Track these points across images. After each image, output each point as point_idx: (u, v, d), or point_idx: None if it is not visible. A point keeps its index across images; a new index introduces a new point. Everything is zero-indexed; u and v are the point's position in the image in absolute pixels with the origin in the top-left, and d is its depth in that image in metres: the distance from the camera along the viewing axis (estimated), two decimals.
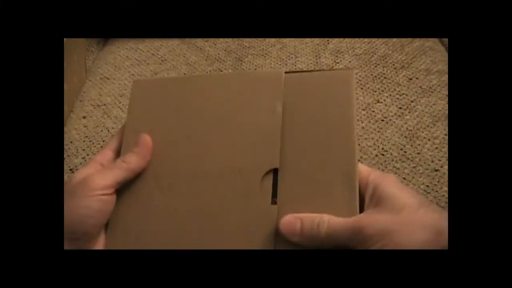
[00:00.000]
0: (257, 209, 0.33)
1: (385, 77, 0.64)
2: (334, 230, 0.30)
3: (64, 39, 0.58)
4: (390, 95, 0.61)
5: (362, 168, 0.33)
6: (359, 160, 0.34)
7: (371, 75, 0.64)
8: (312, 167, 0.33)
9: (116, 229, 0.35)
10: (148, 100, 0.40)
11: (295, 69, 0.64)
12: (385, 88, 0.62)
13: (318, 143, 0.34)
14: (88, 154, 0.56)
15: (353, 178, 0.32)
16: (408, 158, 0.53)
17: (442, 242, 0.27)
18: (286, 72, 0.37)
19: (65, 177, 0.52)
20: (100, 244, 0.35)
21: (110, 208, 0.34)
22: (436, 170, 0.51)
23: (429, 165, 0.52)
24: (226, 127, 0.37)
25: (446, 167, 0.51)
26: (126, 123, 0.40)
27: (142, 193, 0.36)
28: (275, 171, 0.34)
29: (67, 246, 0.31)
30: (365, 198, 0.32)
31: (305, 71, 0.37)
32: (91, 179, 0.33)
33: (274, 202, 0.33)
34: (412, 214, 0.29)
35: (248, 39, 0.65)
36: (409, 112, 0.59)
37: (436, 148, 0.54)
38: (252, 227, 0.33)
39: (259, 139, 0.35)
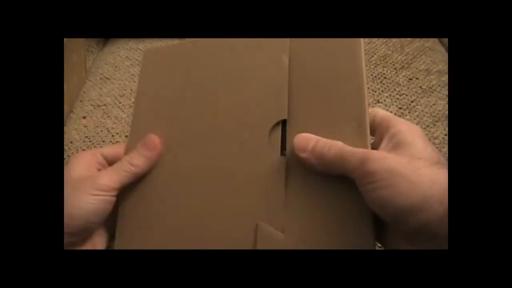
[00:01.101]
0: (266, 162, 0.33)
1: (385, 77, 0.64)
2: (343, 155, 0.29)
3: (64, 39, 0.58)
4: (390, 95, 0.61)
5: (385, 113, 0.33)
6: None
7: (371, 75, 0.64)
8: (321, 116, 0.33)
9: (126, 216, 0.36)
10: (158, 68, 0.40)
11: None
12: (385, 88, 0.62)
13: (326, 93, 0.34)
14: None
15: (364, 124, 0.32)
16: None
17: (444, 204, 0.26)
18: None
19: (68, 187, 0.52)
20: (97, 243, 0.35)
21: (110, 207, 0.34)
22: None
23: None
24: (234, 85, 0.37)
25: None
26: (136, 94, 0.40)
27: (155, 165, 0.36)
28: (283, 123, 0.34)
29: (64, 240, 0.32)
30: (382, 140, 0.31)
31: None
32: (99, 178, 0.33)
33: (283, 154, 0.33)
34: (427, 167, 0.27)
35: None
36: (409, 112, 0.59)
37: (436, 148, 0.54)
38: (262, 179, 0.33)
39: (266, 93, 0.35)
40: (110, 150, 0.38)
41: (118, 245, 0.35)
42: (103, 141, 0.58)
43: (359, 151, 0.29)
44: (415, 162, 0.27)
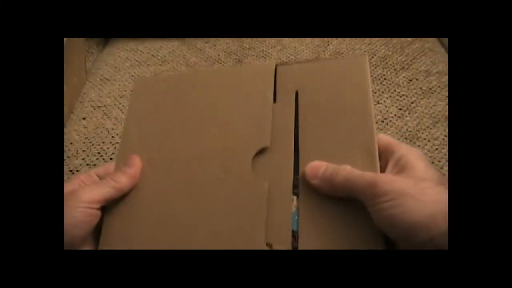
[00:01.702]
0: (249, 187, 0.34)
1: (385, 78, 0.64)
2: (351, 178, 0.31)
3: (64, 40, 0.58)
4: (390, 96, 0.61)
5: (388, 138, 0.34)
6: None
7: (371, 76, 0.64)
8: (331, 144, 0.34)
9: (109, 233, 0.36)
10: (147, 96, 0.42)
11: None
12: (385, 89, 0.62)
13: (335, 124, 0.34)
14: (88, 155, 0.56)
15: (373, 150, 0.33)
16: None
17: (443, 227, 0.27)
18: (297, 62, 0.38)
19: (65, 178, 0.52)
20: None
21: (94, 221, 0.35)
22: None
23: None
24: (220, 116, 0.38)
25: (446, 168, 0.51)
26: (125, 120, 0.41)
27: (139, 187, 0.37)
28: (296, 151, 0.35)
29: None
30: (388, 165, 0.32)
31: (312, 59, 0.38)
32: (80, 191, 0.34)
33: (296, 178, 0.34)
34: (431, 187, 0.29)
35: (248, 40, 0.65)
36: (409, 113, 0.59)
37: (436, 149, 0.54)
38: (245, 204, 0.33)
39: (251, 123, 0.36)
40: (103, 169, 0.40)
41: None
42: (103, 142, 0.58)
43: (368, 174, 0.30)
44: (420, 183, 0.29)
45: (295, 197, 0.33)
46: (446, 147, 0.53)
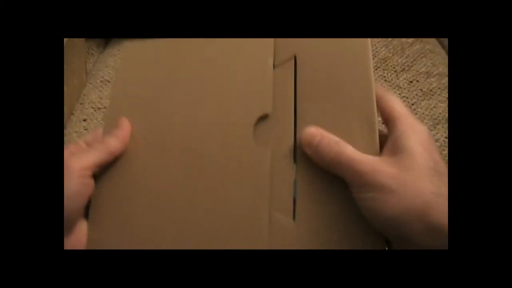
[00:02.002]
0: (250, 154, 0.33)
1: (385, 80, 0.64)
2: (339, 159, 0.30)
3: (65, 41, 0.58)
4: None
5: (395, 107, 0.32)
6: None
7: None
8: (330, 111, 0.33)
9: (101, 206, 0.35)
10: (137, 61, 0.40)
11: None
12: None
13: (334, 92, 0.33)
14: None
15: (373, 123, 0.32)
16: None
17: (426, 222, 0.26)
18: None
19: None
20: (79, 233, 0.34)
21: (88, 191, 0.33)
22: None
23: None
24: (219, 82, 0.36)
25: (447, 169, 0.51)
26: (113, 86, 0.40)
27: (130, 156, 0.36)
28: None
29: None
30: (387, 141, 0.31)
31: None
32: (69, 161, 0.33)
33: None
34: (416, 180, 0.28)
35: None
36: None
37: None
38: (246, 172, 0.33)
39: (251, 90, 0.35)
40: (91, 136, 0.38)
41: (91, 233, 0.34)
42: None
43: (355, 160, 0.30)
44: (405, 174, 0.28)
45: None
46: (447, 149, 0.53)
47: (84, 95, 0.68)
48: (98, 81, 0.70)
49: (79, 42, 0.67)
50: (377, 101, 0.33)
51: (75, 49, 0.65)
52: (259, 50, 0.36)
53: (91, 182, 0.33)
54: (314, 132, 0.32)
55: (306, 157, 0.32)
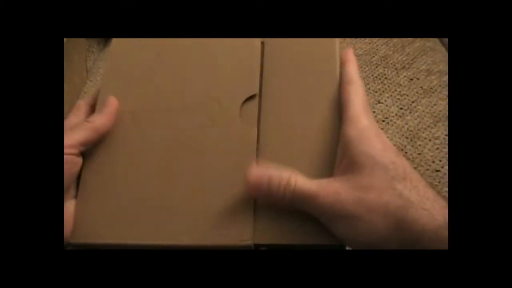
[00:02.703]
0: (236, 134, 0.34)
1: (386, 78, 0.64)
2: (300, 199, 0.28)
3: (65, 40, 0.58)
4: (391, 95, 0.61)
5: (353, 104, 0.31)
6: None
7: (372, 75, 0.64)
8: (295, 93, 0.34)
9: (88, 183, 0.35)
10: (127, 50, 0.40)
11: None
12: (386, 88, 0.62)
13: (301, 72, 0.35)
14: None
15: (336, 102, 0.32)
16: (409, 159, 0.53)
17: (403, 236, 0.26)
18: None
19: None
20: (68, 212, 0.33)
21: (74, 169, 0.33)
22: (437, 171, 0.51)
23: (430, 165, 0.52)
24: (206, 63, 0.37)
25: (447, 167, 0.51)
26: (104, 74, 0.42)
27: (117, 133, 0.36)
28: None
29: None
30: (337, 157, 0.30)
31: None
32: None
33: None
34: (378, 196, 0.27)
35: None
36: (410, 113, 0.59)
37: (437, 148, 0.54)
38: (233, 152, 0.33)
39: (238, 71, 0.36)
40: (74, 113, 0.38)
41: (78, 210, 0.34)
42: None
43: (313, 195, 0.28)
44: (366, 198, 0.27)
45: None
46: (447, 147, 0.53)
47: (85, 92, 0.68)
48: (99, 78, 0.70)
49: (80, 40, 0.67)
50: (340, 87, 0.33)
51: (75, 47, 0.65)
52: (247, 43, 0.37)
53: (78, 160, 0.34)
54: (260, 175, 0.29)
55: (269, 140, 0.33)
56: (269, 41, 0.37)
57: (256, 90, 0.35)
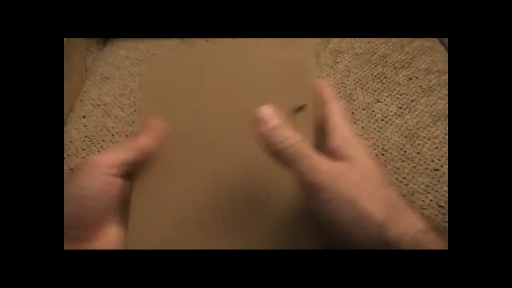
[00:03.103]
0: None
1: (385, 77, 0.64)
2: (298, 154, 0.28)
3: (64, 39, 0.58)
4: (390, 94, 0.61)
5: (337, 117, 0.32)
6: None
7: (371, 74, 0.64)
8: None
9: (139, 209, 0.34)
10: (161, 70, 0.41)
11: None
12: (385, 87, 0.62)
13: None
14: (88, 154, 0.56)
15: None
16: (408, 158, 0.53)
17: (383, 234, 0.26)
18: None
19: (65, 176, 0.52)
20: (105, 237, 0.32)
21: (116, 191, 0.31)
22: (436, 170, 0.51)
23: (429, 164, 0.52)
24: (248, 72, 0.37)
25: (446, 166, 0.51)
26: (141, 97, 0.43)
27: (167, 157, 0.36)
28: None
29: (67, 246, 0.29)
30: (326, 141, 0.30)
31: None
32: (93, 157, 0.31)
33: None
34: (377, 187, 0.27)
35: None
36: (409, 112, 0.59)
37: (436, 147, 0.54)
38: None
39: (286, 80, 0.36)
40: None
41: (130, 236, 0.34)
42: (103, 141, 0.58)
43: (314, 158, 0.27)
44: (362, 183, 0.27)
45: None
46: (447, 146, 0.53)
47: (84, 91, 0.68)
48: (98, 78, 0.70)
49: (79, 40, 0.67)
50: (319, 102, 0.34)
51: (75, 47, 0.64)
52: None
53: (118, 181, 0.31)
54: (273, 113, 0.29)
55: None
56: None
57: (305, 100, 0.34)
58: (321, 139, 0.32)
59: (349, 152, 0.29)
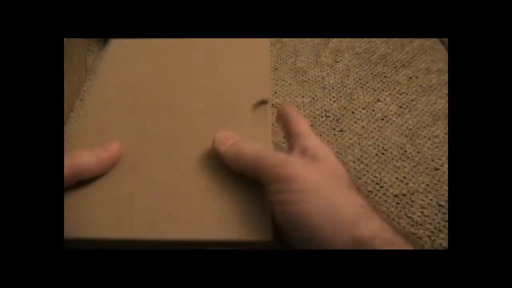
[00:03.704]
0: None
1: (385, 76, 0.64)
2: (262, 154, 0.28)
3: (64, 39, 0.58)
4: (390, 94, 0.61)
5: (296, 123, 0.32)
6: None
7: (371, 74, 0.64)
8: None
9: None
10: (124, 57, 0.40)
11: (295, 68, 0.64)
12: (385, 87, 0.62)
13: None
14: None
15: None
16: (408, 157, 0.53)
17: (354, 233, 0.24)
18: None
19: None
20: None
21: None
22: (437, 169, 0.51)
23: (429, 164, 0.52)
24: (211, 67, 0.37)
25: (447, 166, 0.51)
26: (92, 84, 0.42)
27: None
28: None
29: None
30: (294, 149, 0.30)
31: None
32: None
33: None
34: (345, 188, 0.26)
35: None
36: (409, 111, 0.59)
37: (436, 147, 0.54)
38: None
39: (247, 74, 0.36)
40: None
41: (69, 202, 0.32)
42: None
43: (279, 154, 0.28)
44: (333, 180, 0.26)
45: None
46: (447, 145, 0.53)
47: (84, 91, 0.68)
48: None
49: (79, 40, 0.67)
50: (283, 118, 0.34)
51: (75, 47, 0.64)
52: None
53: None
54: (230, 134, 0.31)
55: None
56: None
57: (267, 95, 0.34)
58: (288, 145, 0.32)
59: (319, 152, 0.29)
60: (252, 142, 0.30)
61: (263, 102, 0.35)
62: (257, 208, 0.29)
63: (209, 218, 0.30)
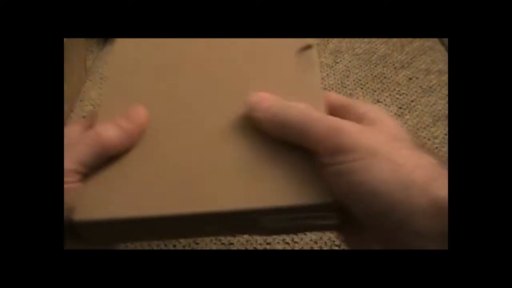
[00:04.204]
0: None
1: (385, 77, 0.64)
2: (307, 118, 0.24)
3: (64, 39, 0.58)
4: (390, 94, 0.61)
5: (344, 98, 0.29)
6: None
7: (371, 74, 0.64)
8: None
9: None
10: (131, 57, 0.37)
11: None
12: (385, 87, 0.62)
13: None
14: None
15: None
16: None
17: (429, 194, 0.22)
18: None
19: None
20: None
21: (71, 202, 0.27)
22: None
23: None
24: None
25: (447, 166, 0.51)
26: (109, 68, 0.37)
27: None
28: None
29: None
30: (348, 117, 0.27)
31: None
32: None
33: None
34: (409, 148, 0.23)
35: None
36: (409, 112, 0.59)
37: (436, 147, 0.54)
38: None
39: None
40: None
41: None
42: None
43: (330, 118, 0.24)
44: (394, 141, 0.23)
45: None
46: (447, 146, 0.53)
47: (84, 92, 0.68)
48: (98, 78, 0.70)
49: (79, 40, 0.67)
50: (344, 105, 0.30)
51: (75, 47, 0.65)
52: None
53: (77, 186, 0.29)
54: (265, 95, 0.27)
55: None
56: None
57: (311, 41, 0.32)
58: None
59: (376, 117, 0.25)
60: (295, 101, 0.26)
61: (308, 47, 0.32)
62: (308, 171, 0.26)
63: (261, 185, 0.27)
